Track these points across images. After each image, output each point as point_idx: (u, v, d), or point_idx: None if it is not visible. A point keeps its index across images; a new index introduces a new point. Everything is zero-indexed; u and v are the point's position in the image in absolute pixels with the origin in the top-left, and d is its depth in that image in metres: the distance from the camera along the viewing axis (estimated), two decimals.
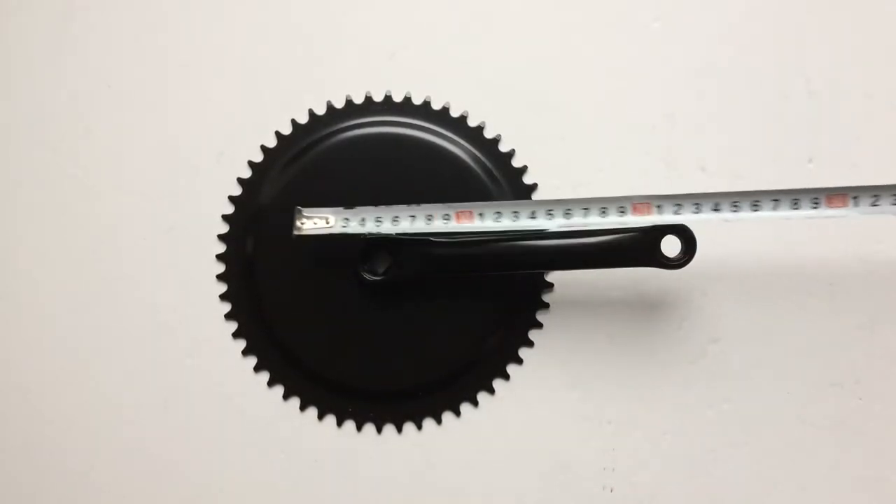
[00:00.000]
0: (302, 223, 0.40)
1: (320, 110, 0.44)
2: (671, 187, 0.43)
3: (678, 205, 0.38)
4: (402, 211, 0.39)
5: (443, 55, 0.44)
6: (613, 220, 0.39)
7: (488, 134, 0.44)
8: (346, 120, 0.44)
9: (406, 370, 0.43)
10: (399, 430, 0.44)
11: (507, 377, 0.44)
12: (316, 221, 0.40)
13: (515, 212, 0.39)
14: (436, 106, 0.44)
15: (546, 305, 0.44)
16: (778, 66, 0.43)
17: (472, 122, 0.44)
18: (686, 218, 0.39)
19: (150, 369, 0.44)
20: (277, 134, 0.44)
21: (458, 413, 0.44)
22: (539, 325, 0.44)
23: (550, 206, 0.39)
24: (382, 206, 0.40)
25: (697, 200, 0.38)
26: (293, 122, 0.44)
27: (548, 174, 0.44)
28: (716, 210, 0.38)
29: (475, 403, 0.44)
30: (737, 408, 0.43)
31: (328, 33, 0.44)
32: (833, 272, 0.43)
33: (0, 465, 0.44)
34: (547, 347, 0.44)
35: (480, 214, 0.39)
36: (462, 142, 0.44)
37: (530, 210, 0.39)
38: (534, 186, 0.44)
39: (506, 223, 0.39)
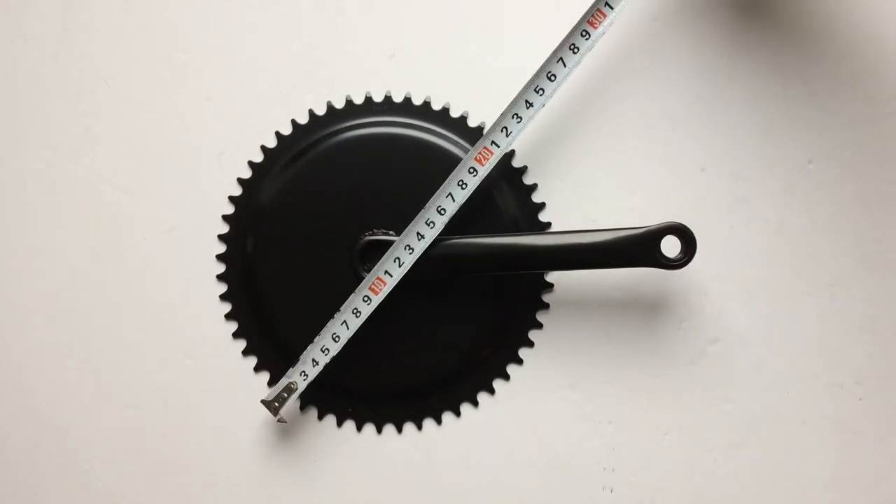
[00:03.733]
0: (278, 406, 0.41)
1: (320, 110, 0.44)
2: (671, 187, 0.43)
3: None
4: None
5: (443, 55, 0.44)
6: None
7: None
8: (346, 120, 0.44)
9: (406, 370, 0.43)
10: (399, 430, 0.44)
11: (507, 377, 0.44)
12: (284, 395, 0.41)
13: None
14: (436, 106, 0.44)
15: (546, 305, 0.43)
16: (778, 67, 0.43)
17: (472, 123, 0.44)
18: None
19: (150, 369, 0.44)
20: (277, 134, 0.44)
21: (458, 413, 0.44)
22: (539, 325, 0.43)
23: None
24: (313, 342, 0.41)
25: None
26: (293, 122, 0.44)
27: (548, 174, 0.44)
28: None
29: (475, 403, 0.44)
30: (737, 408, 0.43)
31: (328, 33, 0.44)
32: (833, 272, 0.43)
33: (0, 465, 0.44)
34: (547, 347, 0.44)
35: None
36: (462, 142, 0.43)
37: None
38: (534, 187, 0.44)
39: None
